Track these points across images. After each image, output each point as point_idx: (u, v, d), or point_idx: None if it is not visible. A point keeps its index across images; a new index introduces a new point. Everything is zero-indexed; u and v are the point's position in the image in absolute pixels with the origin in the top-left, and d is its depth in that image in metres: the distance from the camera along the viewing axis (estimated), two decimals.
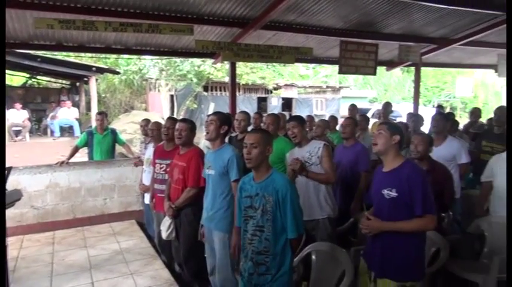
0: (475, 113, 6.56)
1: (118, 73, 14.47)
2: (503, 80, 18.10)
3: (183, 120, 3.60)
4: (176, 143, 3.55)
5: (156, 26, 5.19)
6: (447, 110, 13.95)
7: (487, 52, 8.28)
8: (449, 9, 5.81)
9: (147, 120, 5.12)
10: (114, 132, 5.99)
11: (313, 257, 2.99)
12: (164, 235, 3.52)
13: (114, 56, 12.40)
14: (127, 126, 11.22)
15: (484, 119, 6.99)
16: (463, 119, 12.64)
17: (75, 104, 13.01)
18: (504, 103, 8.70)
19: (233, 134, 4.51)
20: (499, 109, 4.69)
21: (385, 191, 2.36)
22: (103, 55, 13.29)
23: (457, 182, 4.07)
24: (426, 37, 7.17)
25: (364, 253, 2.66)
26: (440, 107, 8.54)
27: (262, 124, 5.57)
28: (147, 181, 4.44)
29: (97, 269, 3.95)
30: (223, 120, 3.13)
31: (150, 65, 15.59)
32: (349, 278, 2.67)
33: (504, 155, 3.61)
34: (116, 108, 16.91)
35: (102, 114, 5.87)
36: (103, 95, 16.87)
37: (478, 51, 8.23)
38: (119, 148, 6.50)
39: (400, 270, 2.36)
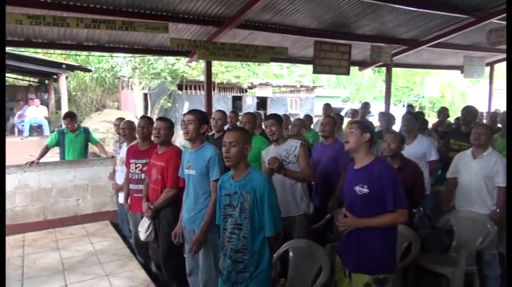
0: (444, 112, 6.80)
1: (89, 71, 14.11)
2: (468, 81, 18.85)
3: (162, 119, 3.53)
4: (155, 142, 3.49)
5: (130, 23, 5.10)
6: (416, 110, 14.40)
7: (453, 54, 8.62)
8: (419, 12, 6.02)
9: (121, 119, 5.03)
10: (86, 131, 5.85)
11: (291, 254, 3.03)
12: (143, 237, 3.46)
13: (85, 53, 12.06)
14: (99, 125, 10.97)
15: (452, 119, 7.26)
16: (431, 118, 13.09)
17: (44, 103, 12.60)
18: (470, 103, 9.05)
19: (209, 133, 4.50)
20: (465, 109, 4.89)
21: (357, 188, 2.44)
22: (73, 52, 12.91)
23: (427, 178, 4.22)
24: (397, 38, 7.38)
25: (338, 249, 2.73)
26: (410, 106, 8.84)
27: (238, 123, 5.59)
28: (120, 181, 4.38)
29: (71, 272, 3.86)
30: (202, 119, 3.07)
31: (122, 62, 15.28)
32: (326, 274, 2.73)
33: (468, 152, 3.79)
34: (87, 106, 16.50)
35: (67, 118, 5.63)
36: (73, 93, 16.41)
37: (445, 52, 8.55)
38: (91, 147, 6.36)
39: (373, 264, 2.45)
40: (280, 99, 18.54)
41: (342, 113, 10.96)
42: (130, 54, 11.69)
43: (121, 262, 4.13)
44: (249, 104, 17.46)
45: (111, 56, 13.92)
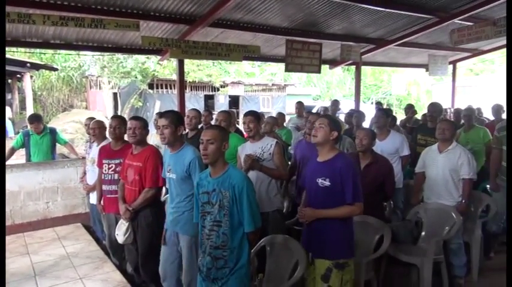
0: (411, 109, 7.05)
1: (55, 69, 13.67)
2: (433, 79, 19.56)
3: (136, 118, 3.47)
4: (130, 142, 3.42)
5: (99, 20, 4.99)
6: (384, 107, 14.78)
7: (419, 53, 8.94)
8: (385, 12, 6.21)
9: (91, 119, 4.94)
10: (53, 131, 5.69)
11: (268, 249, 3.09)
12: (121, 240, 3.38)
13: (51, 51, 11.67)
14: (67, 125, 10.67)
15: (419, 115, 7.54)
16: (399, 115, 13.49)
17: (8, 103, 12.11)
18: (434, 100, 9.42)
19: (184, 132, 4.49)
20: (431, 105, 5.11)
21: (320, 180, 2.59)
22: (38, 50, 12.46)
23: (400, 173, 4.39)
24: (365, 38, 7.58)
25: (302, 238, 2.87)
26: (379, 103, 9.07)
27: (212, 122, 5.59)
28: (90, 181, 4.30)
29: (42, 276, 3.76)
30: (178, 122, 3.00)
31: (91, 61, 14.88)
32: (302, 268, 2.80)
33: (434, 147, 3.97)
34: (53, 107, 15.97)
35: (34, 122, 5.44)
36: (39, 93, 15.84)
37: (411, 51, 8.85)
38: (61, 148, 6.19)
39: (333, 250, 2.63)
40: (252, 97, 18.62)
41: (313, 111, 11.14)
42: (99, 53, 11.37)
43: (95, 264, 4.06)
44: (222, 102, 17.44)
45: (78, 55, 13.53)
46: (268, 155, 3.42)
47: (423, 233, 3.84)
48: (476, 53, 9.61)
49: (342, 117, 7.75)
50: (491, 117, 6.23)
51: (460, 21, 6.49)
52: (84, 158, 5.11)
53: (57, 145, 5.84)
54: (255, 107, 17.33)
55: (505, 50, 10.73)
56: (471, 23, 6.26)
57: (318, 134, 2.62)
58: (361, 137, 3.53)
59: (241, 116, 17.60)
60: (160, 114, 3.09)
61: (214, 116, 4.49)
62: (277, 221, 3.47)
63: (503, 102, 5.59)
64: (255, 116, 3.52)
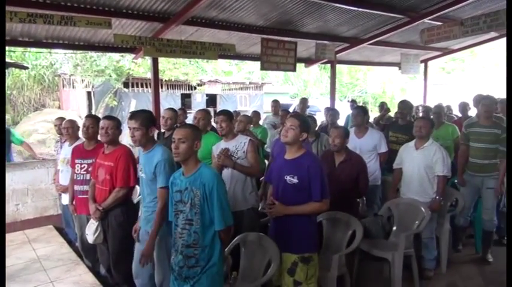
0: (384, 106, 7.20)
1: (26, 68, 13.23)
2: (407, 77, 20.01)
3: (108, 117, 3.43)
4: (103, 141, 3.38)
5: (69, 18, 4.86)
6: (359, 105, 15.01)
7: (391, 51, 9.13)
8: (359, 11, 6.31)
9: (62, 119, 4.83)
10: (7, 132, 5.52)
11: (242, 247, 3.10)
12: (91, 239, 3.35)
13: (21, 49, 11.31)
14: (39, 125, 10.39)
15: (393, 113, 7.70)
16: (374, 113, 13.75)
17: None
18: (409, 97, 9.63)
19: (162, 130, 4.47)
20: (401, 103, 5.23)
21: (288, 177, 2.67)
22: (6, 48, 12.04)
23: (377, 170, 4.47)
24: (340, 36, 7.68)
25: (269, 233, 2.93)
26: (353, 101, 9.20)
27: (186, 120, 5.56)
28: (64, 181, 4.21)
29: (12, 280, 3.66)
30: (149, 123, 2.98)
31: (63, 59, 14.50)
32: (276, 264, 2.83)
33: (411, 144, 4.07)
34: (24, 106, 15.51)
35: None
36: (9, 92, 15.33)
37: (384, 50, 9.03)
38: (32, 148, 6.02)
39: (299, 244, 2.72)
40: (229, 96, 18.59)
41: (291, 109, 11.24)
42: (71, 51, 11.09)
43: (67, 267, 3.99)
44: (199, 101, 17.35)
45: (50, 53, 13.16)
46: (242, 153, 3.45)
47: (394, 228, 3.94)
48: (446, 52, 9.88)
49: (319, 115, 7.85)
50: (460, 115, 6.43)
51: (429, 21, 6.67)
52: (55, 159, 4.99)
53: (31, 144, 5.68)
54: (233, 106, 17.33)
55: (473, 49, 11.12)
56: (440, 23, 6.44)
57: (288, 135, 2.69)
58: (334, 137, 3.60)
59: None
60: (130, 116, 3.03)
61: (192, 115, 4.46)
62: (252, 219, 3.50)
63: (470, 100, 5.80)
64: (227, 116, 3.54)
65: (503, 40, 10.16)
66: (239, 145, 3.48)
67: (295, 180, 2.64)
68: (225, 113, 3.63)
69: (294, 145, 2.71)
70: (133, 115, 2.98)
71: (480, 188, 4.23)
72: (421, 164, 3.85)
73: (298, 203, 2.67)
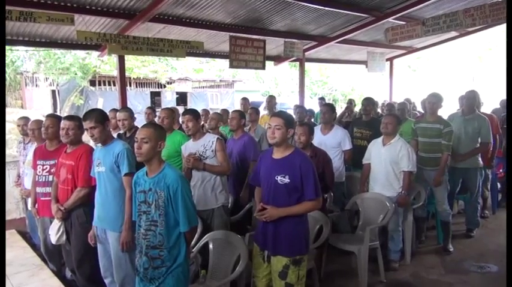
0: (353, 103, 7.37)
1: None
2: (373, 75, 20.50)
3: (69, 117, 3.33)
4: (64, 142, 3.31)
5: (29, 13, 4.69)
6: (328, 102, 15.27)
7: (358, 50, 9.33)
8: (325, 10, 6.42)
9: (25, 119, 4.64)
10: None
11: (210, 245, 3.11)
12: (53, 240, 3.26)
13: None
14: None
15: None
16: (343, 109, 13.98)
17: None
18: (376, 95, 9.86)
19: (121, 131, 4.38)
20: (365, 100, 5.37)
21: (279, 177, 2.57)
22: None
23: (342, 166, 4.57)
24: (307, 35, 7.78)
25: (255, 236, 2.86)
26: (322, 99, 9.34)
27: (156, 119, 5.47)
28: (29, 185, 4.06)
29: None
30: (104, 119, 3.00)
31: (25, 56, 13.94)
32: (244, 261, 2.85)
33: (379, 140, 4.18)
34: None
35: None
36: None
37: (351, 49, 9.21)
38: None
39: (291, 247, 2.63)
40: (200, 94, 18.46)
41: (262, 107, 11.28)
42: (33, 48, 10.68)
43: (30, 272, 3.84)
44: (169, 99, 17.14)
45: (11, 50, 12.62)
46: (211, 153, 3.44)
47: (360, 222, 4.05)
48: (411, 50, 10.20)
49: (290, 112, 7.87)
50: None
51: (393, 21, 6.87)
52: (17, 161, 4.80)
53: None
54: (204, 104, 17.22)
55: (437, 47, 11.51)
56: (403, 23, 6.64)
57: (277, 135, 2.59)
58: (299, 134, 3.64)
59: None
60: (84, 117, 3.04)
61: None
62: (222, 217, 3.50)
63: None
64: (193, 115, 3.51)
65: (464, 39, 10.61)
66: (207, 144, 3.46)
67: (286, 180, 2.55)
68: (191, 112, 3.59)
69: (283, 143, 2.63)
70: (86, 116, 3.01)
71: (429, 181, 4.42)
72: (387, 160, 3.97)
73: (290, 204, 2.58)
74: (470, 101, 4.68)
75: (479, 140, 4.59)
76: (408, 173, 3.93)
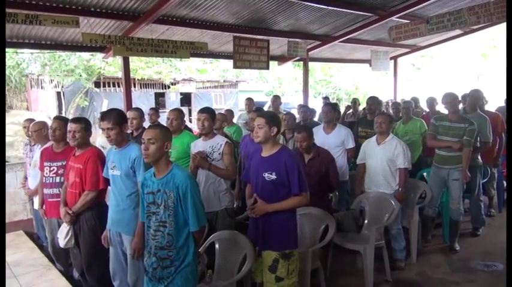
0: (357, 102, 7.35)
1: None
2: (378, 73, 20.45)
3: (76, 120, 3.34)
4: (71, 145, 3.33)
5: (35, 16, 4.72)
6: (332, 101, 15.25)
7: (362, 49, 9.30)
8: (329, 10, 6.42)
9: (30, 121, 4.70)
10: None
11: (217, 246, 3.13)
12: (62, 243, 3.28)
13: None
14: (6, 127, 10.01)
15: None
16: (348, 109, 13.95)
17: None
18: (381, 94, 9.83)
19: (128, 131, 4.40)
20: (370, 99, 5.36)
21: (266, 174, 2.70)
22: None
23: (345, 165, 4.57)
24: (311, 34, 7.77)
25: (248, 232, 2.95)
26: (326, 98, 9.35)
27: (159, 120, 5.50)
28: (33, 185, 4.12)
29: None
30: (122, 121, 2.98)
31: (30, 59, 14.02)
32: (250, 261, 2.87)
33: (373, 139, 4.21)
34: None
35: None
36: None
37: (355, 48, 9.20)
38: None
39: (280, 241, 2.75)
40: (204, 94, 18.46)
41: (266, 106, 11.30)
42: (38, 50, 10.74)
43: (38, 272, 3.90)
44: (173, 100, 17.15)
45: (16, 52, 12.71)
46: (218, 155, 3.40)
47: (366, 221, 4.06)
48: (415, 48, 10.16)
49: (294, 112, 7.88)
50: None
51: (397, 19, 6.85)
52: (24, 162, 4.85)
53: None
54: (208, 104, 17.20)
55: (441, 45, 11.47)
56: (407, 21, 6.63)
57: (260, 134, 2.73)
58: (300, 141, 3.68)
59: (193, 113, 17.45)
60: (102, 116, 3.02)
61: (166, 114, 4.40)
62: (225, 221, 3.46)
63: (439, 95, 5.99)
64: (210, 115, 3.47)
65: (468, 37, 10.56)
66: (216, 145, 3.43)
67: (273, 176, 2.68)
68: (209, 111, 3.52)
69: (268, 141, 2.75)
70: (105, 116, 2.98)
71: (446, 179, 4.41)
72: (384, 159, 4.00)
73: (278, 200, 2.70)
74: (473, 99, 4.67)
75: (479, 139, 4.57)
76: (404, 170, 3.98)
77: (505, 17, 5.30)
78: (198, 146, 3.53)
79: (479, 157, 4.68)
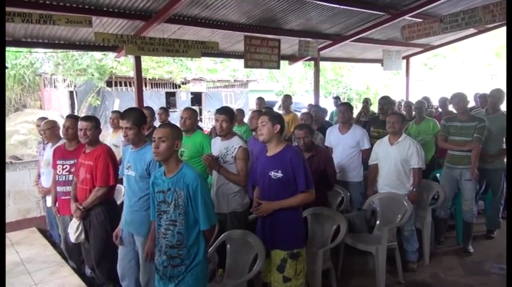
0: (369, 102, 7.28)
1: (5, 68, 12.94)
2: (390, 73, 20.28)
3: (87, 118, 3.40)
4: (82, 143, 3.38)
5: (49, 16, 4.78)
6: (343, 101, 15.13)
7: (374, 48, 9.23)
8: (340, 9, 6.38)
9: (43, 119, 4.75)
10: None
11: (228, 245, 3.12)
12: (72, 238, 3.33)
13: None
14: (19, 126, 10.18)
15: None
16: (359, 109, 13.88)
17: None
18: (392, 93, 9.71)
19: None
20: (382, 99, 5.30)
21: (272, 173, 2.70)
22: None
23: (360, 166, 4.52)
24: (322, 33, 7.73)
25: (257, 232, 2.94)
26: (337, 98, 9.27)
27: (168, 119, 5.52)
28: (46, 184, 4.16)
29: None
30: (141, 121, 2.95)
31: (43, 58, 14.22)
32: (261, 261, 2.86)
33: (385, 139, 4.16)
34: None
35: None
36: None
37: (366, 47, 9.12)
38: (13, 150, 5.90)
39: (287, 241, 2.74)
40: (215, 94, 18.51)
41: (276, 106, 11.28)
42: (52, 50, 10.86)
43: (51, 269, 3.95)
44: (184, 99, 17.24)
45: (30, 52, 12.90)
46: (231, 159, 3.32)
47: (378, 222, 4.01)
48: (428, 48, 10.04)
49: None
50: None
51: (410, 18, 6.77)
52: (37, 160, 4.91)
53: (12, 146, 5.57)
54: (218, 104, 17.25)
55: (454, 45, 11.33)
56: (420, 20, 6.54)
57: (263, 131, 2.73)
58: (302, 136, 3.67)
59: (203, 113, 17.51)
60: (121, 115, 2.99)
61: (177, 113, 4.40)
62: (232, 224, 3.38)
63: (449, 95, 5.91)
64: (229, 116, 3.37)
65: (482, 36, 10.40)
66: (230, 148, 3.33)
67: (279, 174, 2.68)
68: (228, 112, 3.40)
69: (272, 140, 2.75)
70: (124, 115, 2.95)
71: (459, 180, 4.34)
72: (397, 159, 3.95)
73: (285, 198, 2.70)
74: (495, 99, 4.56)
75: (504, 140, 4.48)
76: (418, 170, 3.93)
77: None
78: (217, 144, 3.49)
79: (505, 159, 4.57)
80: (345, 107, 4.67)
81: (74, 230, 3.31)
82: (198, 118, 4.32)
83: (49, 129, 4.11)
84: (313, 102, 8.48)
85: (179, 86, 17.07)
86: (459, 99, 4.31)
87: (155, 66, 15.49)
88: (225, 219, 3.39)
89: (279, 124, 2.74)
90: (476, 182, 4.32)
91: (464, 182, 4.30)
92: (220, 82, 18.87)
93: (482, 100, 6.00)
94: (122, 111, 3.63)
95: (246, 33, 6.66)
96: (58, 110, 14.53)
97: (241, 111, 6.17)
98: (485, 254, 4.39)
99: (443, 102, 6.11)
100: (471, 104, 5.72)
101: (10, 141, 9.46)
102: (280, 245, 2.74)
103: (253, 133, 4.30)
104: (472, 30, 8.27)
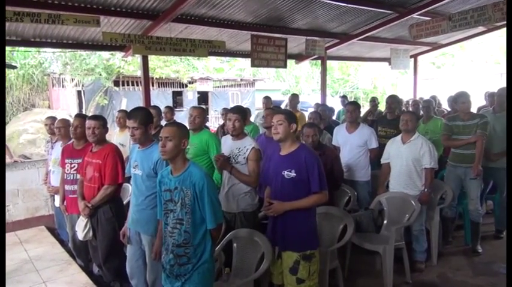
0: (376, 101, 7.24)
1: (14, 67, 13.07)
2: (397, 72, 20.15)
3: (94, 117, 3.43)
4: (90, 141, 3.41)
5: (57, 16, 4.82)
6: (351, 100, 15.05)
7: (381, 47, 9.17)
8: (347, 7, 6.35)
9: (52, 118, 4.79)
10: None
11: (234, 244, 3.12)
12: (80, 236, 3.36)
13: (9, 48, 11.16)
14: (28, 125, 10.28)
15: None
16: (366, 108, 13.81)
17: None
18: (399, 92, 9.65)
19: None
20: (390, 98, 5.27)
21: (285, 172, 2.66)
22: None
23: (367, 165, 4.50)
24: (329, 32, 7.69)
25: (267, 232, 2.91)
26: (344, 97, 9.22)
27: (174, 118, 5.53)
28: (55, 182, 4.19)
29: None
30: (147, 121, 2.95)
31: (52, 58, 14.34)
32: (268, 260, 2.85)
33: (397, 138, 4.11)
34: (13, 106, 15.31)
35: None
36: None
37: (374, 46, 9.06)
38: (22, 149, 5.96)
39: (300, 242, 2.70)
40: (221, 93, 18.55)
41: (282, 105, 11.26)
42: (60, 49, 10.94)
43: (59, 267, 3.98)
44: (190, 99, 17.30)
45: (39, 51, 13.01)
46: (243, 159, 3.25)
47: (385, 222, 3.99)
48: (436, 46, 9.96)
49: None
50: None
51: (418, 17, 6.72)
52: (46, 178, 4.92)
53: (21, 145, 5.62)
54: (225, 103, 17.28)
55: (462, 43, 11.21)
56: (428, 18, 6.49)
57: (279, 130, 2.68)
58: (311, 135, 3.66)
59: (210, 112, 17.55)
60: (128, 115, 3.00)
61: (183, 113, 4.40)
62: (242, 223, 3.33)
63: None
64: (241, 115, 3.31)
65: (492, 34, 10.29)
66: (243, 149, 3.27)
67: (292, 174, 2.64)
68: (241, 111, 3.34)
69: (287, 139, 2.71)
70: (131, 115, 2.96)
71: (463, 179, 4.31)
72: (409, 158, 3.90)
73: (297, 198, 2.66)
74: (502, 98, 4.52)
75: None
76: (430, 170, 3.87)
77: None
78: (227, 144, 3.42)
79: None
80: (352, 107, 4.63)
81: (81, 228, 3.34)
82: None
83: (64, 128, 4.10)
84: (319, 102, 8.45)
85: (186, 86, 17.13)
86: (465, 99, 4.28)
87: (162, 65, 15.56)
88: (235, 219, 3.35)
89: (295, 123, 2.71)
90: (481, 181, 4.28)
91: (469, 181, 4.27)
92: (226, 81, 18.90)
93: (490, 99, 5.94)
94: (128, 110, 3.66)
95: (253, 33, 6.66)
96: (66, 110, 14.64)
97: (248, 111, 6.17)
98: (494, 255, 4.34)
99: (453, 101, 6.04)
100: (482, 102, 5.65)
101: (19, 140, 9.56)
102: (292, 247, 2.69)
103: (265, 131, 4.26)
104: (480, 29, 8.17)
